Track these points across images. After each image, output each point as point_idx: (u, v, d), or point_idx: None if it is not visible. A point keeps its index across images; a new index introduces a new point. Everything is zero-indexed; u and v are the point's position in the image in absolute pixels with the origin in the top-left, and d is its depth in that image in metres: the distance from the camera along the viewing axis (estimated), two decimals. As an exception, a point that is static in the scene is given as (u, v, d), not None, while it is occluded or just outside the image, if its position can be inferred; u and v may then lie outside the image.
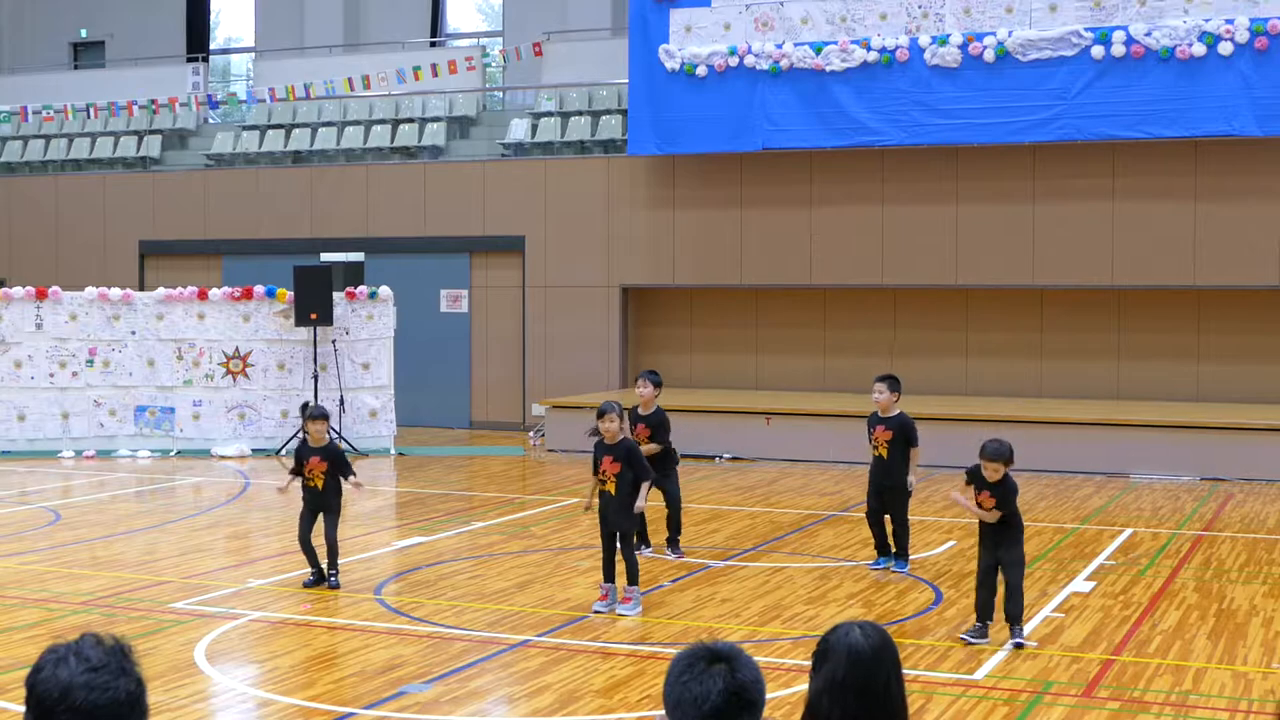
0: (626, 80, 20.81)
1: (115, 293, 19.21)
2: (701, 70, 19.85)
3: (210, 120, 27.00)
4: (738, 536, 13.05)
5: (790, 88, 19.44)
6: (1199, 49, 17.62)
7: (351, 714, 7.60)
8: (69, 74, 28.85)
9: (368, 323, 19.40)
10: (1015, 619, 8.94)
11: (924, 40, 18.84)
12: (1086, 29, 18.10)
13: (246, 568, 11.73)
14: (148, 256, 24.35)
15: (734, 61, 19.69)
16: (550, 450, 19.34)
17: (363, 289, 19.59)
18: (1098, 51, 18.04)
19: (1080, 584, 10.83)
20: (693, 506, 14.51)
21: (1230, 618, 9.76)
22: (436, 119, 23.89)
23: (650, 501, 10.31)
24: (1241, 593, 10.60)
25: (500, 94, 26.20)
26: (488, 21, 28.74)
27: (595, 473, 10.03)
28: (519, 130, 23.03)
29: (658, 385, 12.02)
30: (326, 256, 22.44)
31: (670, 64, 20.01)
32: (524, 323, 21.85)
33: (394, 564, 11.90)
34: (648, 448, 11.19)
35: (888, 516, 11.29)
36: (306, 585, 10.71)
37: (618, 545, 9.96)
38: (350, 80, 23.01)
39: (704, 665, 3.01)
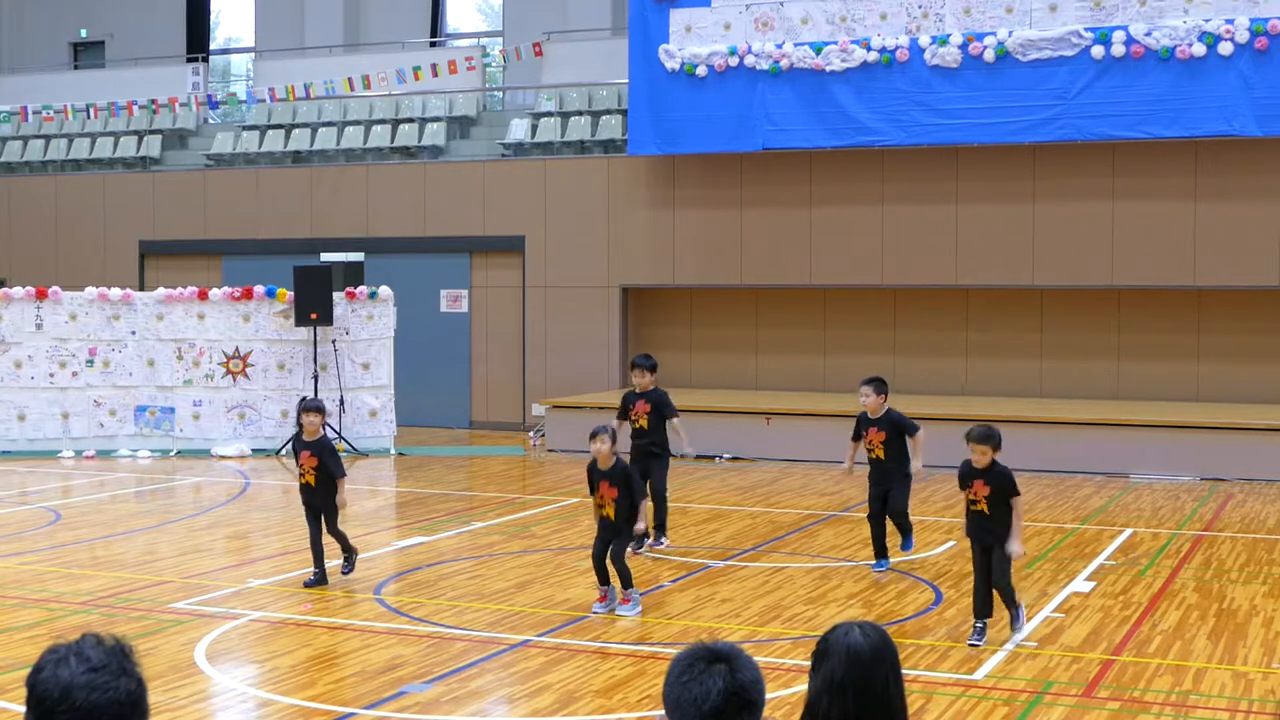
0: (626, 80, 20.80)
1: (115, 293, 19.21)
2: (701, 70, 19.84)
3: (210, 120, 26.99)
4: (738, 536, 13.05)
5: (790, 88, 19.44)
6: (1199, 49, 17.61)
7: (352, 714, 7.60)
8: (69, 74, 28.84)
9: (368, 323, 19.41)
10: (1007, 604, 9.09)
11: (924, 40, 18.83)
12: (1086, 29, 18.09)
13: (246, 568, 11.73)
14: (148, 256, 24.34)
15: (734, 61, 19.68)
16: (550, 450, 19.34)
17: (363, 289, 19.59)
18: (1098, 51, 18.03)
19: (1080, 584, 10.83)
20: (693, 506, 14.53)
21: (1230, 618, 9.76)
22: (436, 119, 23.89)
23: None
24: (1241, 593, 10.60)
25: (500, 94, 26.20)
26: (488, 21, 28.74)
27: (592, 493, 10.07)
28: (519, 130, 23.02)
29: (653, 370, 12.30)
30: (326, 256, 22.43)
31: (670, 64, 20.01)
32: (524, 323, 21.85)
33: (394, 564, 11.90)
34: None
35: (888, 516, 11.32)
36: (307, 585, 10.71)
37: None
38: (350, 80, 23.00)
39: (704, 665, 3.01)
